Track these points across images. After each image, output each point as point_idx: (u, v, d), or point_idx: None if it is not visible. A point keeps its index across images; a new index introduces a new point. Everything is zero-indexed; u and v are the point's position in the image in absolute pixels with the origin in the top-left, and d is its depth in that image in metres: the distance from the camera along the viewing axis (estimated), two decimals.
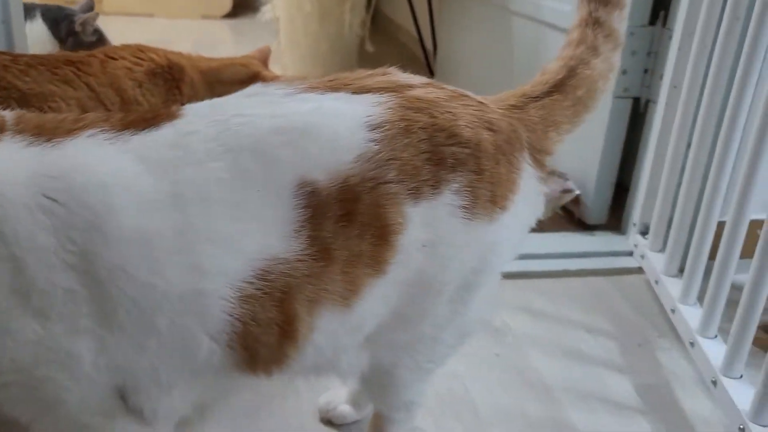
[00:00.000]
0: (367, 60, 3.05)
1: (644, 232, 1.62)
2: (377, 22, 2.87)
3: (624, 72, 1.69)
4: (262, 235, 0.70)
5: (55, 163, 0.66)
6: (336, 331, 0.78)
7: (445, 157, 0.77)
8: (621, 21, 0.98)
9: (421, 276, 0.79)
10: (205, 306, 0.69)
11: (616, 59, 0.98)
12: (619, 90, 1.71)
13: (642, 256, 1.59)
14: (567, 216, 1.89)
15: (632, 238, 1.67)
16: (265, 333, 0.73)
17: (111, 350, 0.68)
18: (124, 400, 0.73)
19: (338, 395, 1.16)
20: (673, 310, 1.40)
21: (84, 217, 0.65)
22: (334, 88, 0.79)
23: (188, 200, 0.68)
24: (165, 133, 0.71)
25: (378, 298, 0.78)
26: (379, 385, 0.93)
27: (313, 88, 0.78)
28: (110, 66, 1.18)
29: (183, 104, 1.25)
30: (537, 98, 0.91)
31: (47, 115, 0.72)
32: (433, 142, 0.77)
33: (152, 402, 0.74)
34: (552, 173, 1.84)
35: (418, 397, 0.99)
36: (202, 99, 1.29)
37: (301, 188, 0.71)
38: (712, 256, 1.27)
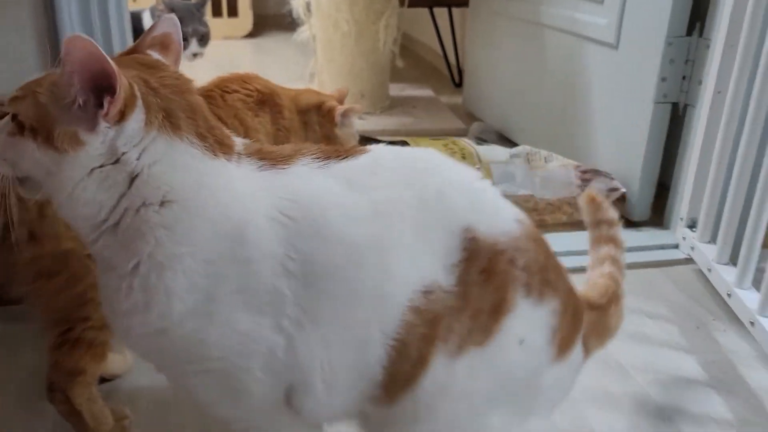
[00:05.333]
0: (396, 75, 3.19)
1: (691, 226, 1.76)
2: (401, 40, 3.01)
3: (663, 79, 1.84)
4: (432, 259, 0.79)
5: (286, 186, 0.78)
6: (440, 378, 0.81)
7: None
8: None
9: (511, 372, 0.84)
10: (387, 307, 0.78)
11: None
12: (659, 96, 1.86)
13: (692, 248, 1.73)
14: None
15: (679, 232, 1.81)
16: (412, 349, 0.78)
17: (298, 348, 0.77)
18: (289, 399, 0.81)
19: None
20: (729, 295, 1.54)
21: (308, 227, 0.76)
22: None
23: (385, 214, 0.79)
24: (363, 162, 0.82)
25: (470, 368, 0.81)
26: None
27: None
28: (229, 99, 1.29)
29: (287, 128, 1.36)
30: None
31: (265, 145, 0.85)
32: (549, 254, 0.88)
33: (315, 402, 0.81)
34: (599, 173, 1.98)
35: None
36: (295, 124, 1.39)
37: (466, 233, 0.80)
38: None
